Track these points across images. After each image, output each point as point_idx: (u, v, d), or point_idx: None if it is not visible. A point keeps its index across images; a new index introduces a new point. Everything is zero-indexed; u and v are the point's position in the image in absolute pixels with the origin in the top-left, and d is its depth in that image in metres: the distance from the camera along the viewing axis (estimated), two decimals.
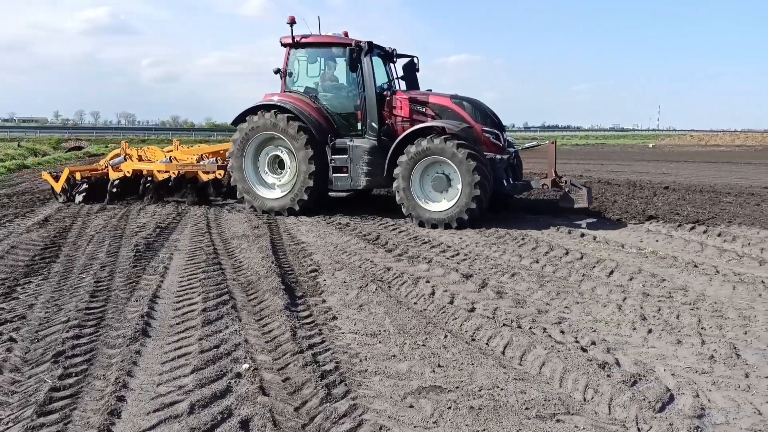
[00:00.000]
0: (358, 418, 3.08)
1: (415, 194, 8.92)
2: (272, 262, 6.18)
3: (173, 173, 11.13)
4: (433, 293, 5.38)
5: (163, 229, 8.35)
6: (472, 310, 4.91)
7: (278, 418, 3.07)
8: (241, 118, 9.92)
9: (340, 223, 9.06)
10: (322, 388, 3.36)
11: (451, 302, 5.13)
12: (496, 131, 9.59)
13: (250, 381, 3.45)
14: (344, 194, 10.59)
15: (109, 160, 12.10)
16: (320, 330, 4.39)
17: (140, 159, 11.83)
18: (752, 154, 34.81)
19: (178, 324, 4.50)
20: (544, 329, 4.45)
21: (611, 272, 6.25)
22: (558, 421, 3.05)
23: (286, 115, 9.48)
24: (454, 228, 8.60)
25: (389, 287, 5.60)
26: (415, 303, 5.15)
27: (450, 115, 9.50)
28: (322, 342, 4.14)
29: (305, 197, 9.57)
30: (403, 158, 8.91)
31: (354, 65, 9.39)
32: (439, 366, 3.74)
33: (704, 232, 8.39)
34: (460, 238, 8.02)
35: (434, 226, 8.74)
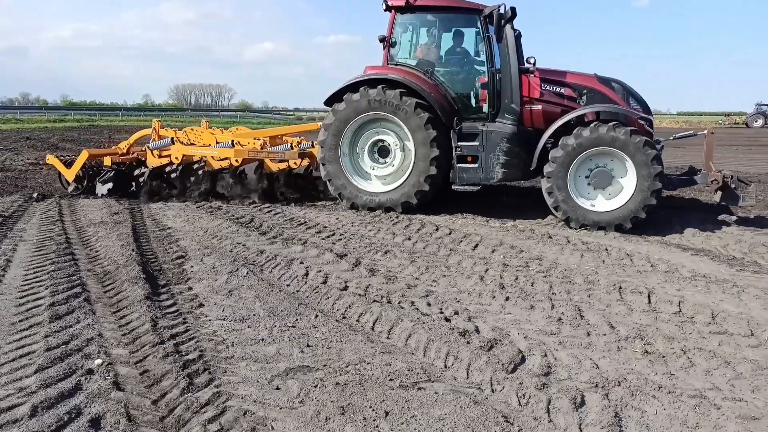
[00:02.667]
0: (221, 405, 2.99)
1: (573, 193, 7.56)
2: (133, 250, 5.80)
3: (235, 161, 9.11)
4: (306, 274, 5.35)
5: (6, 219, 7.51)
6: (345, 288, 4.96)
7: (133, 413, 2.90)
8: (336, 97, 8.36)
9: (211, 207, 8.69)
10: (184, 378, 3.22)
11: (325, 282, 5.14)
12: (650, 117, 8.41)
13: (103, 377, 3.22)
14: (470, 189, 8.24)
15: (133, 142, 10.11)
16: (185, 319, 4.20)
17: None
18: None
19: (20, 321, 4.07)
20: (412, 303, 4.60)
21: (476, 246, 6.60)
22: (419, 389, 3.18)
23: (399, 90, 8.01)
24: (626, 229, 7.39)
25: (261, 270, 5.49)
26: (288, 285, 5.10)
27: (595, 98, 8.14)
28: (186, 331, 3.96)
29: (426, 188, 8.12)
30: (558, 152, 7.47)
31: (500, 35, 7.75)
32: (308, 346, 3.74)
33: None
34: (337, 219, 8.04)
35: (601, 228, 7.47)
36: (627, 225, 7.40)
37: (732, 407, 3.04)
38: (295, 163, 9.30)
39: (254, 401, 3.04)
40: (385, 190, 8.40)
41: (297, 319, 4.22)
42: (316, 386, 3.18)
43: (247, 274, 5.24)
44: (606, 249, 6.57)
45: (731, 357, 3.71)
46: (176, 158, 9.28)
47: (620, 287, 5.13)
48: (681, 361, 3.64)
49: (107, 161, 9.50)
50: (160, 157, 9.38)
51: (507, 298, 4.80)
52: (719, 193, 7.80)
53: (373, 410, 2.94)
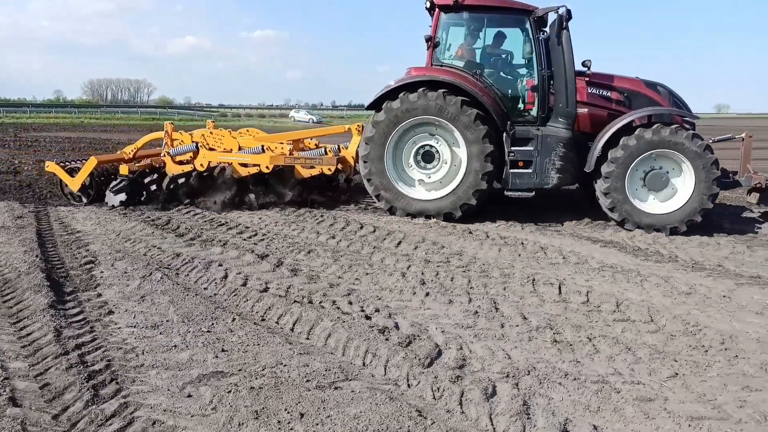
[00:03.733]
0: (128, 416, 2.87)
1: (630, 195, 7.54)
2: (36, 256, 5.45)
3: (266, 168, 8.42)
4: (225, 276, 5.22)
5: None
6: (265, 290, 4.88)
7: (31, 429, 2.73)
8: (388, 97, 7.90)
9: (125, 209, 8.31)
10: (88, 390, 3.06)
11: (245, 284, 5.03)
12: (694, 121, 8.40)
13: None
14: (524, 195, 7.95)
15: (141, 147, 9.30)
16: (92, 327, 3.99)
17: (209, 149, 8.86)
18: None
19: None
20: (334, 302, 4.59)
21: (399, 243, 6.68)
22: (336, 388, 3.17)
23: (460, 97, 7.66)
24: (680, 232, 7.46)
25: (177, 274, 5.31)
26: (205, 289, 4.95)
27: (642, 101, 8.16)
28: (93, 340, 3.77)
29: (484, 186, 7.83)
30: (619, 152, 7.42)
31: (560, 38, 7.61)
32: (223, 351, 3.65)
33: None
34: (260, 218, 7.90)
35: (657, 230, 7.47)
36: (682, 228, 7.47)
37: (630, 390, 3.24)
38: (329, 170, 8.63)
39: (164, 410, 2.94)
40: (433, 197, 8.08)
41: (213, 324, 4.11)
42: (229, 392, 3.11)
43: (161, 278, 5.04)
44: (522, 243, 6.83)
45: (632, 342, 3.94)
46: (201, 165, 8.57)
47: (534, 279, 5.35)
48: (587, 348, 3.84)
49: (124, 169, 8.67)
50: (181, 163, 8.73)
51: (427, 294, 4.88)
52: (757, 195, 8.08)
53: (288, 413, 2.91)
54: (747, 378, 3.45)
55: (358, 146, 8.49)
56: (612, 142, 7.54)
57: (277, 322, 4.22)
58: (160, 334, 3.91)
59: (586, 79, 8.18)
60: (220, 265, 5.54)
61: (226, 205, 8.52)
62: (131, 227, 7.07)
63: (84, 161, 8.74)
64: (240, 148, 8.89)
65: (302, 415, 2.90)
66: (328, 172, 8.65)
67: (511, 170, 7.84)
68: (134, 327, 4.02)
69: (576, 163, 7.87)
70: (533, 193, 7.96)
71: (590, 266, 5.93)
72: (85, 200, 8.71)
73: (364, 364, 3.54)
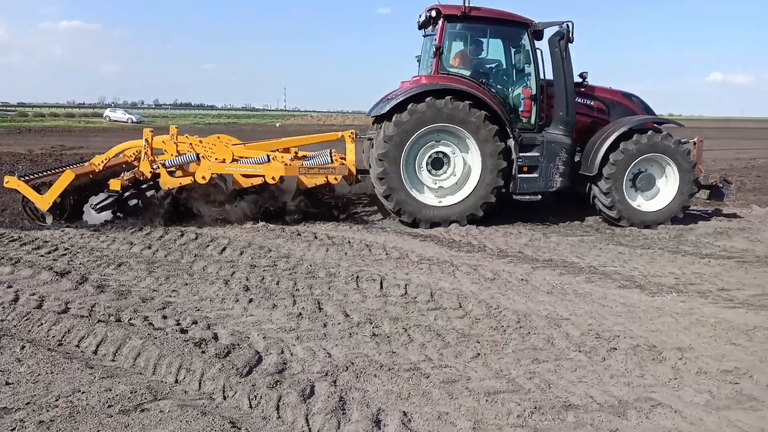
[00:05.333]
0: None
1: (626, 194, 8.24)
2: None
3: (271, 178, 7.77)
4: (16, 299, 4.61)
5: None
6: (65, 311, 4.40)
7: None
8: (399, 107, 7.77)
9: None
10: None
11: (39, 306, 4.48)
12: (660, 127, 8.92)
13: None
14: (532, 198, 8.33)
15: (111, 157, 8.20)
16: None
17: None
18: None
19: None
20: (146, 318, 4.29)
21: (224, 249, 6.45)
22: (143, 410, 2.96)
23: (467, 102, 7.75)
24: (669, 225, 8.31)
25: None
26: None
27: (620, 110, 8.85)
28: None
29: (493, 199, 8.07)
30: (619, 155, 8.10)
31: (567, 50, 8.07)
32: (7, 384, 3.21)
33: None
34: (62, 231, 7.09)
35: (647, 227, 8.21)
36: (668, 223, 8.33)
37: (438, 374, 3.48)
38: (335, 179, 8.21)
39: None
40: (446, 203, 8.15)
41: None
42: (13, 429, 2.74)
43: None
44: (349, 242, 6.99)
45: (442, 329, 4.24)
46: (204, 177, 7.67)
47: (358, 277, 5.51)
48: (402, 338, 4.04)
49: (115, 184, 7.57)
50: (178, 175, 7.84)
51: (251, 300, 4.78)
52: (707, 191, 8.96)
53: None
54: (536, 351, 3.89)
55: (374, 148, 8.21)
56: (610, 146, 8.21)
57: (77, 346, 3.82)
58: None
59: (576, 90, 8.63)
60: (9, 286, 4.88)
61: (227, 220, 7.81)
62: None
63: (43, 174, 7.93)
64: (235, 159, 8.22)
65: None
66: (334, 182, 8.33)
67: (519, 175, 8.22)
68: None
69: (572, 166, 8.45)
70: (540, 196, 8.42)
71: (410, 260, 6.26)
72: (49, 221, 7.60)
73: (176, 381, 3.35)
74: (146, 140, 7.97)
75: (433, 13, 8.34)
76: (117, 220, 7.65)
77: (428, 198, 8.19)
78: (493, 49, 8.83)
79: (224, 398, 3.15)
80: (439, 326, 4.31)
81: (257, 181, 7.95)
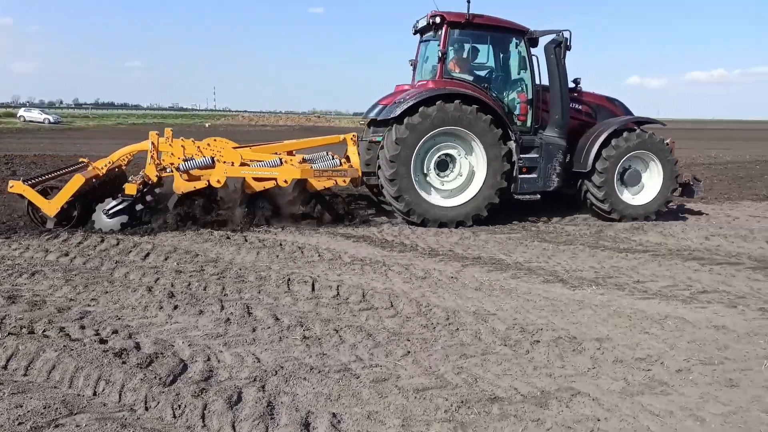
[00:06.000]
0: None
1: (617, 189, 8.78)
2: None
3: (284, 181, 7.81)
4: None
5: None
6: None
7: None
8: (409, 112, 8.00)
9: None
10: None
11: None
12: (661, 126, 9.82)
13: None
14: (532, 198, 8.79)
15: (114, 160, 8.04)
16: None
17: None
18: (291, 133, 40.51)
19: None
20: (62, 329, 4.06)
21: (147, 254, 6.21)
22: (57, 426, 2.80)
23: (474, 106, 8.09)
24: (652, 220, 8.86)
25: None
26: None
27: (605, 113, 9.44)
28: None
29: (497, 200, 8.45)
30: (612, 151, 8.64)
31: (564, 57, 8.59)
32: None
33: None
34: None
35: (635, 219, 8.81)
36: (653, 217, 8.89)
37: (369, 374, 3.49)
38: (344, 181, 8.37)
39: None
40: (452, 204, 8.41)
41: None
42: None
43: None
44: (281, 244, 6.90)
45: (373, 329, 4.26)
46: (219, 181, 7.63)
47: (289, 279, 5.45)
48: (333, 340, 4.03)
49: (131, 188, 7.44)
50: (192, 180, 7.70)
51: (176, 307, 4.62)
52: (679, 189, 9.34)
53: None
54: (464, 347, 3.98)
55: (384, 150, 8.27)
56: (602, 143, 8.70)
57: None
58: None
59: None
60: None
61: (239, 223, 7.77)
62: None
63: (48, 178, 7.78)
64: (243, 162, 8.14)
65: None
66: (343, 184, 8.53)
67: (520, 176, 8.60)
68: None
69: (565, 166, 8.87)
70: (539, 196, 8.82)
71: (343, 261, 6.25)
72: (50, 224, 7.28)
73: (95, 394, 3.19)
74: (152, 143, 7.82)
75: (438, 20, 8.57)
76: (131, 226, 7.43)
77: (435, 199, 8.44)
78: (493, 55, 9.19)
79: (146, 409, 3.03)
80: (370, 326, 4.33)
81: (269, 184, 7.95)
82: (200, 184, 7.71)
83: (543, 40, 8.91)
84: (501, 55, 9.17)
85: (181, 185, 7.65)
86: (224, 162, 7.88)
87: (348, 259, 6.32)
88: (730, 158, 19.40)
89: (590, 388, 3.37)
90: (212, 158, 8.00)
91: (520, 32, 8.85)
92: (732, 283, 5.69)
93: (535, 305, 4.89)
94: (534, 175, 8.74)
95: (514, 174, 8.57)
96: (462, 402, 3.13)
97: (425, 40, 9.37)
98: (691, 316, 4.66)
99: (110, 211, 7.40)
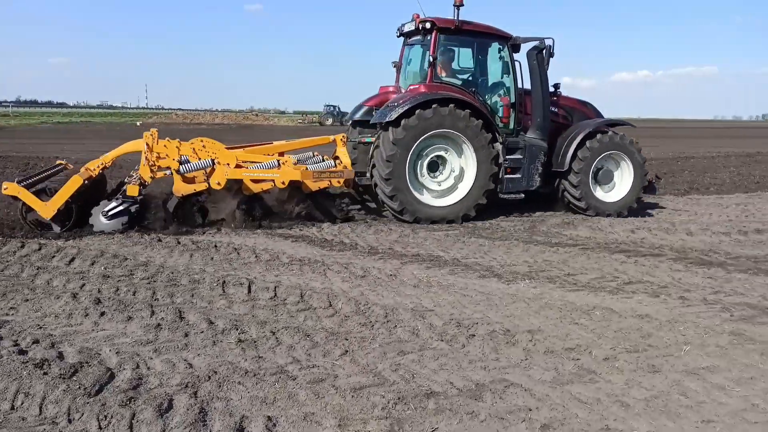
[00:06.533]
0: None
1: (591, 188, 9.21)
2: None
3: (282, 183, 7.94)
4: None
5: None
6: None
7: None
8: (406, 114, 8.27)
9: None
10: None
11: None
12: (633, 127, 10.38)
13: None
14: (518, 197, 9.56)
15: (108, 162, 7.78)
16: None
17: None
18: (228, 131, 39.64)
19: None
20: None
21: (72, 259, 5.91)
22: None
23: (467, 110, 8.46)
24: (625, 216, 9.26)
25: None
26: None
27: (579, 116, 9.85)
28: None
29: (485, 200, 8.85)
30: (586, 152, 9.04)
31: (545, 63, 9.06)
32: None
33: None
34: None
35: (608, 215, 9.20)
36: (625, 213, 9.33)
37: (306, 375, 3.45)
38: (338, 182, 8.63)
39: None
40: (443, 204, 8.75)
41: None
42: None
43: None
44: (216, 246, 6.73)
45: (311, 329, 4.22)
46: (219, 183, 7.64)
47: (224, 282, 5.31)
48: (270, 342, 3.96)
49: (132, 190, 7.38)
50: (191, 182, 7.68)
51: (102, 314, 4.42)
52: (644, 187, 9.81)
53: None
54: (402, 344, 4.01)
55: (381, 150, 8.46)
56: (578, 144, 9.13)
57: None
58: None
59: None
60: None
61: (243, 220, 7.84)
62: None
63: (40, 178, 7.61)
64: (238, 164, 8.02)
65: None
66: (337, 185, 8.74)
67: (506, 176, 9.00)
68: None
69: (547, 167, 9.32)
70: (523, 195, 9.49)
71: (281, 262, 6.17)
72: (57, 228, 7.12)
73: (12, 408, 3.00)
74: (147, 144, 7.68)
75: (428, 25, 8.75)
76: (130, 228, 7.34)
77: (426, 198, 8.74)
78: (479, 60, 9.51)
79: (69, 422, 2.88)
80: (308, 327, 4.28)
81: (267, 186, 8.05)
82: (200, 187, 7.71)
83: (525, 47, 9.36)
84: (486, 60, 9.54)
85: (181, 188, 7.63)
86: (226, 164, 7.84)
87: (286, 260, 6.24)
88: (654, 155, 20.43)
89: (522, 379, 3.46)
90: (212, 160, 7.92)
91: (504, 38, 9.24)
92: (655, 273, 6.00)
93: (472, 300, 4.99)
94: (518, 176, 9.18)
95: (501, 174, 8.98)
96: (399, 398, 3.15)
97: (410, 44, 9.70)
98: (618, 306, 4.88)
99: (109, 213, 7.32)
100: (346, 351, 3.85)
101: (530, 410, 3.09)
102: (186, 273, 5.60)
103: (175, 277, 5.47)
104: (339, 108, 63.61)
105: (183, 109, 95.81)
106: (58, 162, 8.60)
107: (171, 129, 43.02)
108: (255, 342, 3.95)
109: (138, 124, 48.69)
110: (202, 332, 4.11)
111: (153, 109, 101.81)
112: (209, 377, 3.37)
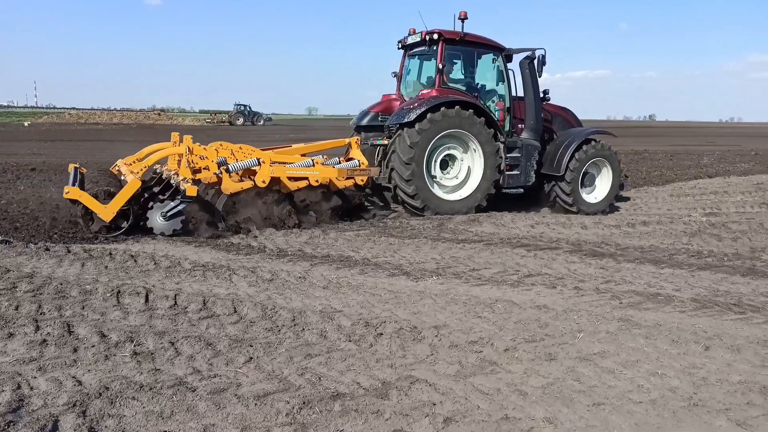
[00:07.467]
0: None
1: (579, 190, 10.13)
2: None
3: (315, 181, 8.49)
4: None
5: None
6: None
7: None
8: (418, 118, 9.08)
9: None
10: None
11: None
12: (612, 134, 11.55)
13: None
14: (517, 192, 10.31)
15: (150, 164, 8.23)
16: None
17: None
18: (127, 132, 37.53)
19: None
20: None
21: None
22: None
23: (471, 110, 9.37)
24: (606, 214, 10.24)
25: None
26: None
27: (561, 122, 10.99)
28: None
29: (493, 191, 9.78)
30: (580, 156, 9.99)
31: (540, 74, 10.07)
32: None
33: None
34: None
35: (594, 214, 10.06)
36: (607, 210, 10.38)
37: (206, 385, 3.31)
38: (362, 180, 9.26)
39: None
40: (456, 198, 9.70)
41: None
42: None
43: None
44: (111, 254, 6.32)
45: (214, 337, 4.06)
46: (264, 182, 8.10)
47: (119, 291, 4.99)
48: (168, 353, 3.77)
49: (192, 190, 7.30)
50: (239, 180, 8.22)
51: None
52: None
53: None
54: (309, 347, 3.95)
55: (399, 152, 9.17)
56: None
57: None
58: None
59: None
60: None
61: (289, 218, 8.27)
62: None
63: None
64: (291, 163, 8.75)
65: None
66: (361, 183, 9.30)
67: (507, 172, 9.94)
68: None
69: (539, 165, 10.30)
70: (522, 190, 10.29)
71: (182, 268, 5.90)
72: (95, 228, 7.33)
73: None
74: (188, 148, 8.01)
75: (435, 36, 9.64)
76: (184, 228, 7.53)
77: (440, 194, 9.64)
78: (478, 68, 10.54)
79: None
80: (210, 335, 4.12)
81: (302, 184, 8.55)
82: (247, 185, 8.09)
83: (517, 57, 10.40)
84: (484, 69, 10.59)
85: (230, 186, 7.96)
86: (272, 163, 8.36)
87: (188, 266, 5.97)
88: None
89: (428, 375, 3.52)
90: (258, 159, 8.45)
91: (498, 49, 10.26)
92: (552, 266, 6.32)
93: (380, 299, 5.02)
94: (517, 172, 10.17)
95: (502, 170, 9.91)
96: (304, 403, 3.09)
97: (411, 55, 10.66)
98: (518, 298, 5.09)
99: (168, 214, 7.39)
100: (251, 358, 3.73)
101: (434, 405, 3.14)
102: (76, 284, 5.21)
103: (63, 288, 5.07)
104: (250, 107, 62.15)
105: (77, 108, 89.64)
106: (71, 165, 8.52)
107: (63, 129, 40.23)
108: (152, 354, 3.74)
109: (26, 124, 45.02)
110: (93, 346, 3.84)
111: (43, 108, 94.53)
112: (100, 394, 3.15)
